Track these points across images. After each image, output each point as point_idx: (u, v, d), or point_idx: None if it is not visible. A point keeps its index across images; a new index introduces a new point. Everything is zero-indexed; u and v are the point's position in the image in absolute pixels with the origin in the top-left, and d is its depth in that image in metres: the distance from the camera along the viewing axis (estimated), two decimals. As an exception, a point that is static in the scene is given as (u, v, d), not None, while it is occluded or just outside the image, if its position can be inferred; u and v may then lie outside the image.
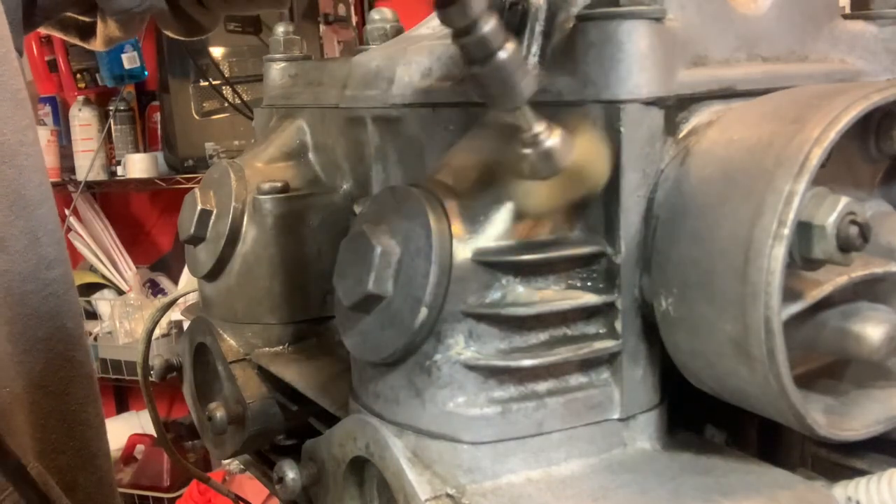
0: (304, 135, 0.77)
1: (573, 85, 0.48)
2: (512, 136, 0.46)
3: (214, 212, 0.76)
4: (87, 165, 3.02)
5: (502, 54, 0.43)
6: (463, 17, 0.43)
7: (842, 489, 0.46)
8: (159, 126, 3.00)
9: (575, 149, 0.46)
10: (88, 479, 0.80)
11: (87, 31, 0.96)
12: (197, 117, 2.84)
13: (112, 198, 3.33)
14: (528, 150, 0.46)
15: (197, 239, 0.77)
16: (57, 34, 0.98)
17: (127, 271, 3.13)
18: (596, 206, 0.48)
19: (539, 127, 0.45)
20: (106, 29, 0.92)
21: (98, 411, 0.83)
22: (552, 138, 0.45)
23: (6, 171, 0.72)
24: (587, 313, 0.49)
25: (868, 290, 0.46)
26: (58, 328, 0.77)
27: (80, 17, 0.94)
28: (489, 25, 0.43)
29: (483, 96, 0.45)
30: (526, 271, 0.47)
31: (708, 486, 0.46)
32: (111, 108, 3.06)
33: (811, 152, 0.41)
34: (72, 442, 0.79)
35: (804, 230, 0.42)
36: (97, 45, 0.97)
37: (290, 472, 0.56)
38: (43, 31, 0.95)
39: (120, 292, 3.13)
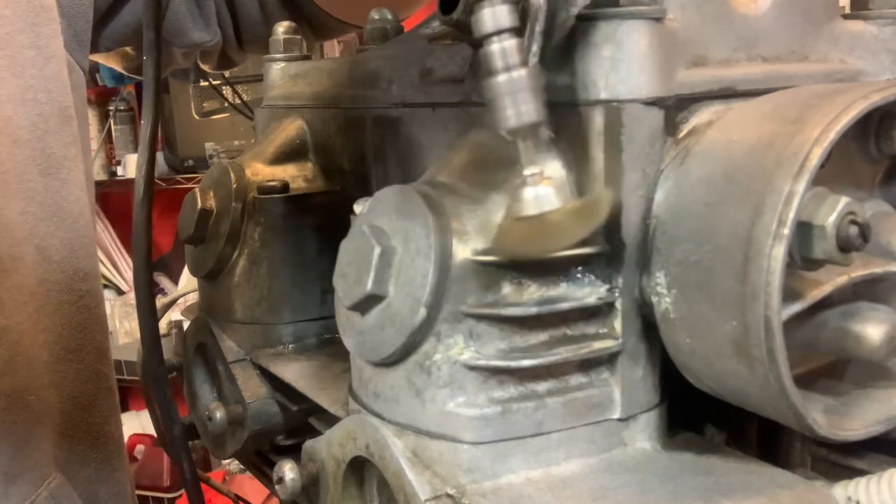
0: (304, 135, 0.77)
1: (573, 85, 0.48)
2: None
3: (214, 212, 0.76)
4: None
5: (500, 77, 0.43)
6: (476, 29, 0.43)
7: (842, 489, 0.46)
8: (159, 126, 2.99)
9: (567, 205, 0.44)
10: (108, 492, 0.80)
11: (140, 68, 0.99)
12: (197, 117, 2.84)
13: (112, 198, 3.33)
14: (519, 188, 0.45)
15: (197, 239, 0.77)
16: (115, 65, 1.00)
17: (127, 271, 3.13)
18: (596, 206, 0.48)
19: (532, 169, 0.45)
20: (170, 60, 0.95)
21: (119, 425, 0.84)
22: (542, 185, 0.44)
23: (51, 182, 0.74)
24: (587, 313, 0.49)
25: (868, 290, 0.46)
26: (88, 340, 0.78)
27: (133, 52, 0.96)
28: (496, 45, 0.43)
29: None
30: (526, 271, 0.47)
31: (708, 486, 0.46)
32: (111, 108, 3.07)
33: (811, 152, 0.41)
34: (95, 455, 0.79)
35: (804, 230, 0.42)
36: None
37: (290, 472, 0.56)
38: (101, 60, 0.97)
39: (120, 292, 3.13)
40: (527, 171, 0.45)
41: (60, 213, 0.75)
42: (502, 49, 0.44)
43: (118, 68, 1.00)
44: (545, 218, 0.44)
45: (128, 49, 0.95)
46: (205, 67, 1.03)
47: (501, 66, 0.44)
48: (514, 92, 0.44)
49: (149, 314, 0.69)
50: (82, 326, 0.77)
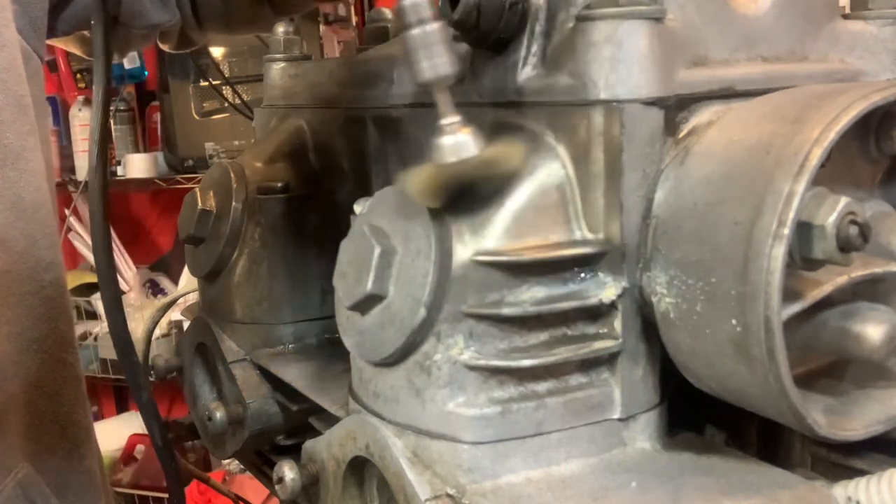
0: (304, 135, 0.77)
1: (573, 85, 0.48)
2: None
3: (214, 212, 0.76)
4: (87, 165, 3.02)
5: (414, 31, 0.46)
6: None
7: (842, 489, 0.46)
8: (159, 126, 2.99)
9: (484, 150, 0.47)
10: (78, 480, 0.80)
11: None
12: (197, 117, 2.84)
13: (112, 198, 3.32)
14: (437, 137, 0.47)
15: (197, 239, 0.77)
16: (74, 49, 0.99)
17: (127, 271, 3.13)
18: (596, 207, 0.48)
19: (450, 118, 0.47)
20: (129, 43, 0.94)
21: (87, 413, 0.84)
22: (460, 133, 0.47)
23: (8, 173, 0.73)
24: (587, 313, 0.49)
25: (868, 290, 0.46)
26: (52, 330, 0.78)
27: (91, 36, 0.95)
28: (409, 0, 0.46)
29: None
30: (526, 271, 0.47)
31: (708, 486, 0.46)
32: (111, 108, 3.06)
33: (811, 152, 0.41)
34: (63, 443, 0.79)
35: (804, 230, 0.42)
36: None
37: (290, 472, 0.56)
38: (60, 45, 0.96)
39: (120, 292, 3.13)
40: (445, 121, 0.47)
41: (20, 204, 0.75)
42: (414, 4, 0.46)
43: (77, 52, 1.00)
44: (464, 164, 0.46)
45: (86, 33, 0.95)
46: (164, 48, 1.03)
47: (415, 20, 0.46)
48: (428, 45, 0.46)
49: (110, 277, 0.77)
50: (46, 316, 0.77)
